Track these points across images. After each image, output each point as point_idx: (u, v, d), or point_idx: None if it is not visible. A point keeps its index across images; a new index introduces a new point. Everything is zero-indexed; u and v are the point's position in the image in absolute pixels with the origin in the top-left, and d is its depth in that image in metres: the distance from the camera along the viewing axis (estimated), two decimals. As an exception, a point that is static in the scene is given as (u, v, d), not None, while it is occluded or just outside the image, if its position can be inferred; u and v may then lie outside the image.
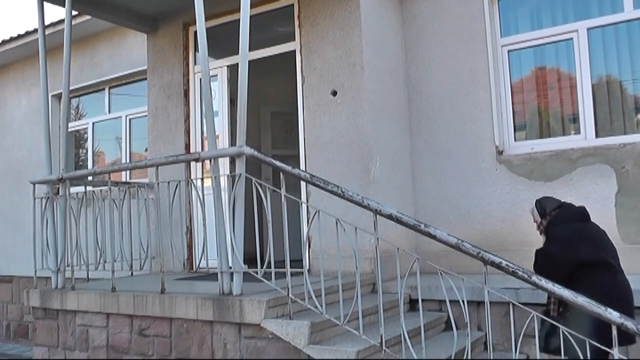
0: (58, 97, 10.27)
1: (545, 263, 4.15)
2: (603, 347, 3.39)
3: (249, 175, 4.59)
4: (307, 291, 4.29)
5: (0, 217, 11.41)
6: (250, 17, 4.85)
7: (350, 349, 4.01)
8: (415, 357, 3.89)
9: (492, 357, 3.90)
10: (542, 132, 6.44)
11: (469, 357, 3.82)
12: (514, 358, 3.83)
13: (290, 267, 4.37)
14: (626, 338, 3.55)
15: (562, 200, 4.47)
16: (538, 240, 5.95)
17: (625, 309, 3.60)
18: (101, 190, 6.15)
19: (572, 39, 6.21)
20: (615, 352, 3.39)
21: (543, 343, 3.97)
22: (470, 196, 6.48)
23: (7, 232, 11.20)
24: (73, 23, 6.70)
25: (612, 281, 4.01)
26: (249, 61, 4.85)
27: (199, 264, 5.13)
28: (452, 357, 4.03)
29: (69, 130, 7.02)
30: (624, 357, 3.45)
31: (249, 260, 4.77)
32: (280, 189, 4.43)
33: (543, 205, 4.40)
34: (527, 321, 3.69)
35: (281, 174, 4.45)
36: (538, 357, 3.82)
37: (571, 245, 4.06)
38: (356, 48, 6.19)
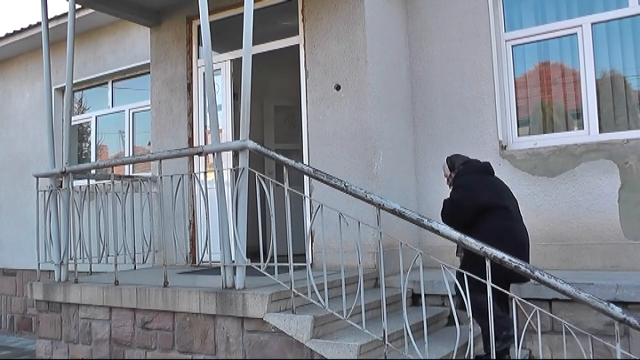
0: (61, 90, 10.26)
1: (450, 209, 4.65)
2: (506, 291, 3.77)
3: (252, 169, 4.59)
4: (310, 285, 4.30)
5: (4, 210, 11.45)
6: (254, 11, 4.84)
7: (352, 343, 4.01)
8: (418, 352, 3.89)
9: (494, 352, 3.90)
10: (546, 128, 6.42)
11: (472, 352, 3.82)
12: (516, 353, 3.83)
13: (293, 261, 4.37)
14: (518, 277, 3.86)
15: (470, 157, 4.99)
16: (539, 236, 5.99)
17: (519, 251, 4.00)
18: (104, 184, 6.16)
19: (576, 34, 6.19)
20: (617, 347, 3.39)
21: (454, 289, 4.04)
22: (473, 191, 6.46)
23: (10, 225, 11.23)
24: (76, 16, 6.68)
25: (509, 225, 4.48)
26: (253, 55, 4.84)
27: (202, 258, 5.13)
28: (455, 352, 4.04)
29: (72, 123, 7.03)
30: (627, 353, 3.45)
31: (252, 254, 4.78)
32: (283, 183, 4.43)
33: (452, 161, 4.94)
34: (530, 316, 3.69)
35: (284, 167, 4.45)
36: (540, 352, 3.83)
37: (474, 192, 4.55)
38: (360, 42, 6.18)
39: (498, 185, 4.79)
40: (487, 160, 4.99)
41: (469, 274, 3.81)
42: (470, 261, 4.17)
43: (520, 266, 3.56)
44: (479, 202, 4.50)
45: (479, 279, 3.71)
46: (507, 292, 3.82)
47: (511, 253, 3.67)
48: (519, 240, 4.53)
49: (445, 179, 5.05)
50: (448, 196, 4.79)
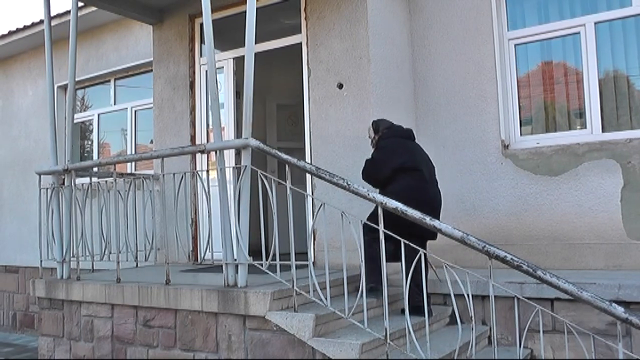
0: (64, 88, 10.28)
1: (370, 167, 5.04)
2: (413, 245, 3.96)
3: (255, 167, 4.59)
4: (312, 284, 4.30)
5: (7, 208, 11.46)
6: (257, 9, 4.84)
7: (354, 341, 4.01)
8: (420, 350, 3.89)
9: (496, 351, 3.90)
10: (548, 127, 6.41)
11: (473, 351, 3.82)
12: (518, 352, 3.83)
13: (295, 260, 4.38)
14: (430, 234, 4.36)
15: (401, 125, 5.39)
16: (541, 235, 5.99)
17: (427, 209, 4.18)
18: (106, 182, 6.16)
19: (579, 33, 6.18)
20: (619, 347, 3.39)
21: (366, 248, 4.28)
22: (475, 190, 6.47)
23: (13, 223, 11.25)
24: (79, 14, 6.69)
25: (420, 185, 4.87)
26: (255, 53, 4.84)
27: (204, 256, 5.14)
28: (456, 351, 4.04)
29: (75, 121, 7.04)
30: (629, 352, 3.45)
31: (254, 252, 4.78)
32: (285, 182, 4.43)
33: (377, 124, 5.33)
34: (532, 315, 3.69)
35: (287, 166, 4.45)
36: (542, 351, 3.83)
37: (392, 153, 4.96)
38: (363, 41, 6.18)
39: (417, 150, 5.15)
40: (409, 127, 5.41)
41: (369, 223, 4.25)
42: (373, 212, 4.57)
43: (522, 265, 3.56)
44: (397, 163, 4.89)
45: (373, 225, 4.13)
46: (417, 247, 3.99)
47: (421, 209, 3.98)
48: (427, 199, 4.86)
49: (370, 140, 5.40)
50: (370, 157, 5.18)
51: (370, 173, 5.03)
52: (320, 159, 6.24)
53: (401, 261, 4.02)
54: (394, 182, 4.86)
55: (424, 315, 4.20)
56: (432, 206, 4.92)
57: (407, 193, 4.50)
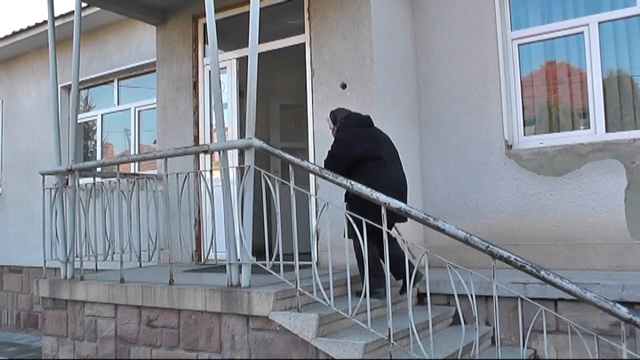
0: (67, 88, 10.30)
1: (329, 160, 5.03)
2: (377, 225, 4.02)
3: (258, 167, 4.59)
4: (315, 284, 4.29)
5: (11, 208, 11.49)
6: (260, 9, 4.83)
7: (358, 341, 4.01)
8: (423, 351, 3.89)
9: (499, 352, 3.90)
10: (552, 127, 6.40)
11: (477, 351, 3.82)
12: (521, 352, 3.83)
13: (299, 260, 4.37)
14: (399, 217, 4.34)
15: (352, 111, 5.41)
16: (545, 235, 5.98)
17: (397, 195, 4.29)
18: (110, 182, 6.17)
19: (582, 33, 6.17)
20: (623, 348, 3.39)
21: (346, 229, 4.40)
22: (478, 190, 6.47)
23: (17, 223, 11.28)
24: (82, 15, 6.71)
25: (383, 173, 4.87)
26: (259, 53, 4.85)
27: (207, 256, 5.14)
28: (460, 351, 4.04)
29: (78, 121, 7.04)
30: (633, 353, 3.44)
31: (257, 252, 4.78)
32: (289, 182, 4.44)
33: (335, 115, 5.34)
34: (535, 316, 3.69)
35: (290, 166, 4.45)
36: (545, 352, 3.82)
37: (351, 144, 4.97)
38: (366, 41, 6.18)
39: (376, 137, 5.14)
40: (367, 114, 5.38)
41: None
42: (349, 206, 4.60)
43: (526, 265, 3.55)
44: (355, 154, 4.92)
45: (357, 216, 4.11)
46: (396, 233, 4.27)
47: (387, 194, 4.07)
48: (393, 186, 4.84)
49: (330, 131, 5.42)
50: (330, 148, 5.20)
51: (330, 166, 4.91)
52: (323, 159, 6.23)
53: (383, 248, 4.07)
54: (356, 172, 4.79)
55: (407, 292, 4.20)
56: (400, 191, 4.95)
57: (369, 182, 4.35)
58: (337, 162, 4.94)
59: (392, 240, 4.57)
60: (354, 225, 4.15)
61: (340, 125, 5.24)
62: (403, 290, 4.93)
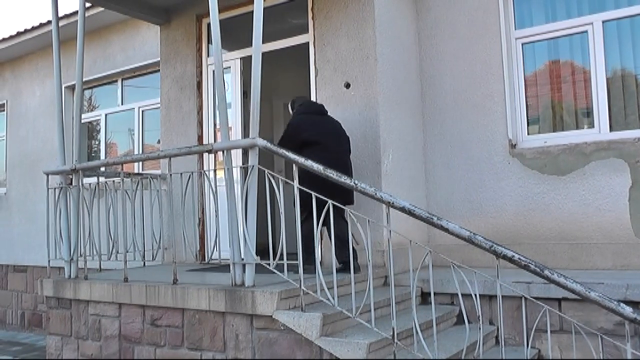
0: (71, 88, 10.33)
1: (281, 141, 5.50)
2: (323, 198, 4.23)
3: (262, 166, 4.59)
4: (319, 283, 4.29)
5: (15, 208, 11.52)
6: (264, 9, 4.84)
7: (362, 341, 4.01)
8: (427, 350, 3.89)
9: (503, 351, 3.89)
10: (556, 126, 6.39)
11: (481, 351, 3.82)
12: (525, 352, 3.83)
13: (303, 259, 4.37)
14: (344, 194, 4.92)
15: (309, 100, 6.09)
16: (549, 234, 5.98)
17: (324, 181, 4.42)
18: (114, 181, 6.18)
19: (586, 31, 6.16)
20: (627, 347, 3.38)
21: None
22: (482, 189, 6.46)
23: (21, 222, 11.31)
24: (86, 15, 6.71)
25: (324, 156, 5.00)
26: (263, 53, 4.85)
27: (211, 255, 5.15)
28: (464, 351, 4.04)
29: (82, 121, 7.05)
30: (637, 353, 3.44)
31: (261, 251, 4.79)
32: (292, 181, 4.44)
33: (294, 102, 5.96)
34: (539, 315, 3.68)
35: (294, 165, 4.46)
36: (549, 351, 3.82)
37: (298, 129, 5.51)
38: (370, 40, 6.18)
39: (323, 124, 5.62)
40: (321, 103, 5.98)
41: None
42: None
43: (530, 265, 3.55)
44: (300, 138, 5.44)
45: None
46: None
47: (320, 181, 4.37)
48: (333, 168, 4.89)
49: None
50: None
51: (283, 145, 5.20)
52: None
53: (328, 225, 4.27)
54: (302, 154, 4.75)
55: (350, 272, 4.28)
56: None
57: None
58: (286, 143, 5.34)
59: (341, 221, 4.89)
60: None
61: (295, 111, 5.83)
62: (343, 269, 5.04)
